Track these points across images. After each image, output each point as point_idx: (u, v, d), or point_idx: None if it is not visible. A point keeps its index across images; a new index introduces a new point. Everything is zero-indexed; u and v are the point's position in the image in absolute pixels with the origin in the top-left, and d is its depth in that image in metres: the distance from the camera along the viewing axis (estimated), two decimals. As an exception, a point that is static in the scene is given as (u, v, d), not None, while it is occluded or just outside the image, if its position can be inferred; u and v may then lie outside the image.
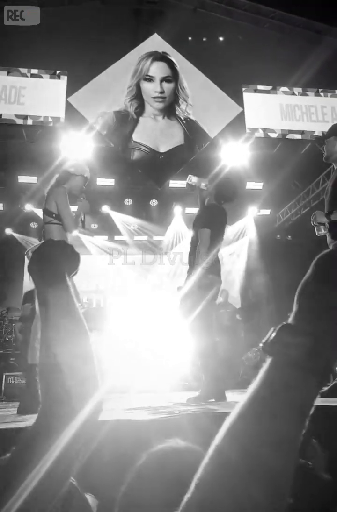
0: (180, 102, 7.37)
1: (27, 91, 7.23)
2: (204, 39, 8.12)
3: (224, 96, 7.70)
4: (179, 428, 1.97)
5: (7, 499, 0.73)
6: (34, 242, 10.88)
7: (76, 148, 7.22)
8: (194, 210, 11.12)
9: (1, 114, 7.12)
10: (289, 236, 11.64)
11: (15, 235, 11.16)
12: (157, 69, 7.25)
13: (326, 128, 7.88)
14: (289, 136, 7.92)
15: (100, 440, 0.93)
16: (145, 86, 7.20)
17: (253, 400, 0.56)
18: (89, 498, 1.08)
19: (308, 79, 7.74)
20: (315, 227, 3.75)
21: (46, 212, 3.87)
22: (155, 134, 7.31)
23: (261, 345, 0.60)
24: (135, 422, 2.18)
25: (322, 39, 8.27)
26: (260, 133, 7.86)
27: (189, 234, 10.80)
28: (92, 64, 7.36)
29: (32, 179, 9.73)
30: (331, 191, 3.62)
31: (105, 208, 10.95)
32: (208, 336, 3.87)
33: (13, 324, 8.76)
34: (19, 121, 7.18)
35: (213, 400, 3.67)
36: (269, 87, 8.07)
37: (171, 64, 7.32)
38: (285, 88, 8.10)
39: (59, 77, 7.39)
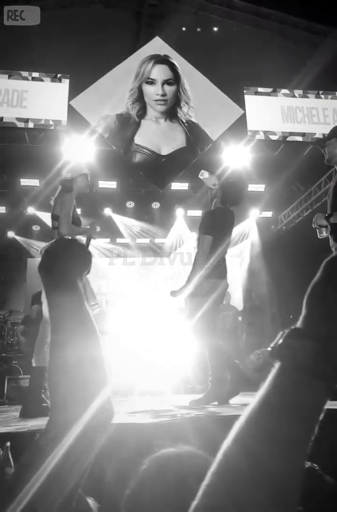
0: (181, 105, 7.38)
1: (29, 94, 7.24)
2: (205, 41, 8.12)
3: (226, 99, 7.70)
4: (181, 432, 1.96)
5: (11, 502, 0.73)
6: (37, 245, 10.91)
7: (78, 151, 7.23)
8: (196, 213, 11.16)
9: (2, 118, 7.14)
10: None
11: (17, 238, 11.19)
12: (159, 72, 7.26)
13: (327, 130, 7.88)
14: (290, 138, 7.92)
15: (102, 443, 0.93)
16: (147, 89, 7.21)
17: (261, 405, 0.55)
18: (91, 502, 1.08)
19: (309, 81, 7.74)
20: (317, 230, 3.74)
21: (54, 217, 3.95)
22: (157, 136, 7.32)
23: (269, 349, 0.59)
24: (138, 426, 2.18)
25: (323, 40, 8.26)
26: (261, 136, 7.86)
27: (191, 236, 10.84)
28: (94, 67, 7.37)
29: (34, 182, 9.76)
30: (333, 194, 3.61)
31: (107, 211, 10.97)
32: (210, 338, 3.87)
33: (15, 327, 8.77)
34: (20, 124, 7.19)
35: (216, 403, 3.67)
36: (269, 89, 8.07)
37: (172, 67, 7.33)
38: (285, 90, 8.10)
39: (60, 81, 7.40)
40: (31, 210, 10.48)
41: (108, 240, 11.39)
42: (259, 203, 10.80)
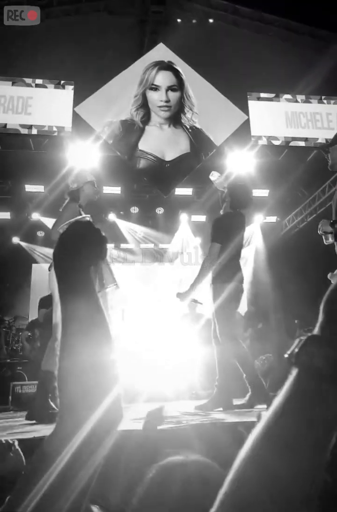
0: (185, 111, 7.39)
1: (34, 101, 7.29)
2: (209, 47, 8.14)
3: (229, 104, 7.72)
4: (186, 438, 1.96)
5: (19, 507, 0.73)
6: (41, 250, 10.94)
7: (83, 157, 7.25)
8: (200, 218, 11.17)
9: (6, 124, 7.17)
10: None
11: (22, 243, 11.22)
12: (163, 78, 7.28)
13: (331, 135, 7.88)
14: (293, 143, 7.92)
15: (109, 450, 0.93)
16: (151, 95, 7.23)
17: (278, 413, 0.55)
18: (95, 509, 1.08)
19: (314, 86, 7.75)
20: (322, 236, 3.73)
21: (56, 225, 3.96)
22: (161, 142, 7.33)
23: (286, 356, 0.59)
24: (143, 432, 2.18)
25: (327, 46, 8.27)
26: (264, 141, 7.86)
27: (194, 241, 10.86)
28: (99, 74, 7.41)
29: (39, 188, 9.80)
30: (337, 199, 3.60)
31: (111, 216, 10.99)
32: (235, 345, 3.86)
33: (20, 333, 8.78)
34: (24, 131, 7.23)
35: (221, 409, 3.66)
36: (272, 95, 8.08)
37: (176, 73, 7.35)
38: (288, 96, 8.11)
39: (63, 87, 7.44)
40: (35, 216, 10.51)
41: (112, 245, 11.41)
42: (263, 208, 10.79)
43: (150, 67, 7.27)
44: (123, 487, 1.48)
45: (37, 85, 7.42)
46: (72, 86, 7.43)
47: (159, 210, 11.38)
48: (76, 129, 7.30)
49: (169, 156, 7.31)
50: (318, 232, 3.75)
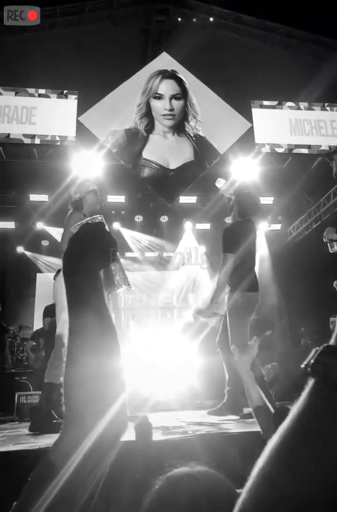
0: (189, 119, 7.40)
1: (38, 111, 7.32)
2: (212, 55, 8.17)
3: (233, 112, 7.72)
4: (192, 449, 1.93)
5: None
6: (46, 260, 10.96)
7: (87, 167, 7.27)
8: (204, 226, 11.17)
9: (9, 134, 7.20)
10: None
11: (27, 253, 11.24)
12: (167, 87, 7.30)
13: (335, 142, 7.89)
14: (296, 151, 7.91)
15: (111, 461, 0.91)
16: (155, 104, 7.26)
17: (294, 425, 0.53)
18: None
19: (318, 94, 7.75)
20: (328, 244, 3.72)
21: (65, 236, 3.99)
22: (165, 151, 7.34)
23: (302, 367, 0.58)
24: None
25: (330, 53, 8.29)
26: (267, 148, 7.86)
27: (198, 249, 10.84)
28: (103, 83, 7.44)
29: (43, 198, 9.83)
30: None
31: (116, 225, 11.00)
32: (235, 352, 3.86)
33: (25, 343, 8.76)
34: (27, 141, 7.25)
35: (233, 415, 3.65)
36: (275, 102, 8.08)
37: (179, 82, 7.37)
38: (291, 103, 8.11)
39: (66, 97, 7.47)
40: (40, 226, 10.54)
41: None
42: (267, 216, 10.78)
43: (154, 76, 7.30)
44: (127, 499, 1.46)
45: (40, 95, 7.45)
46: (75, 96, 7.46)
47: (164, 219, 11.40)
48: (80, 139, 7.32)
49: (173, 164, 7.32)
50: (324, 240, 3.74)
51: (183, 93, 7.34)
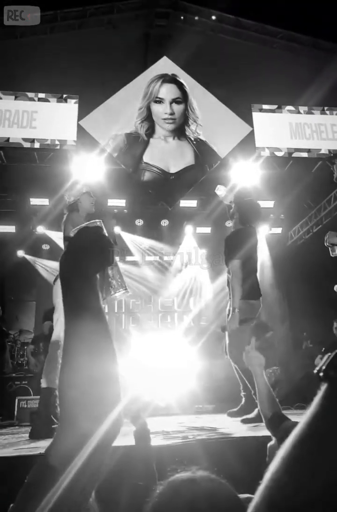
0: (189, 123, 7.42)
1: (39, 115, 7.32)
2: (213, 60, 8.20)
3: (234, 116, 7.74)
4: (193, 454, 1.92)
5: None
6: (46, 264, 10.95)
7: (88, 170, 7.28)
8: (205, 229, 11.16)
9: (9, 138, 7.20)
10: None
11: (27, 257, 11.21)
12: (167, 91, 7.32)
13: (335, 146, 7.89)
14: (296, 155, 7.91)
15: (111, 467, 0.90)
16: (156, 108, 7.27)
17: (307, 429, 0.53)
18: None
19: (318, 98, 7.76)
20: (329, 248, 3.72)
21: (65, 239, 4.00)
22: (166, 155, 7.35)
23: (315, 372, 0.58)
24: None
25: (330, 57, 8.31)
26: (266, 152, 7.86)
27: (198, 252, 10.84)
28: (103, 87, 7.45)
29: (44, 201, 9.82)
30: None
31: (116, 229, 10.99)
32: (232, 357, 3.89)
33: (25, 347, 8.74)
34: (27, 145, 7.25)
35: (251, 417, 3.65)
36: (274, 106, 8.09)
37: (180, 86, 7.39)
38: (290, 107, 8.12)
39: (66, 101, 7.48)
40: (40, 229, 10.52)
41: (117, 258, 11.39)
42: (268, 220, 10.77)
43: (154, 80, 7.32)
44: (127, 503, 1.45)
45: (40, 99, 7.46)
46: (75, 100, 7.47)
47: (164, 222, 11.39)
48: (81, 143, 7.33)
49: (174, 168, 7.33)
50: (325, 243, 3.74)
51: (183, 97, 7.36)
